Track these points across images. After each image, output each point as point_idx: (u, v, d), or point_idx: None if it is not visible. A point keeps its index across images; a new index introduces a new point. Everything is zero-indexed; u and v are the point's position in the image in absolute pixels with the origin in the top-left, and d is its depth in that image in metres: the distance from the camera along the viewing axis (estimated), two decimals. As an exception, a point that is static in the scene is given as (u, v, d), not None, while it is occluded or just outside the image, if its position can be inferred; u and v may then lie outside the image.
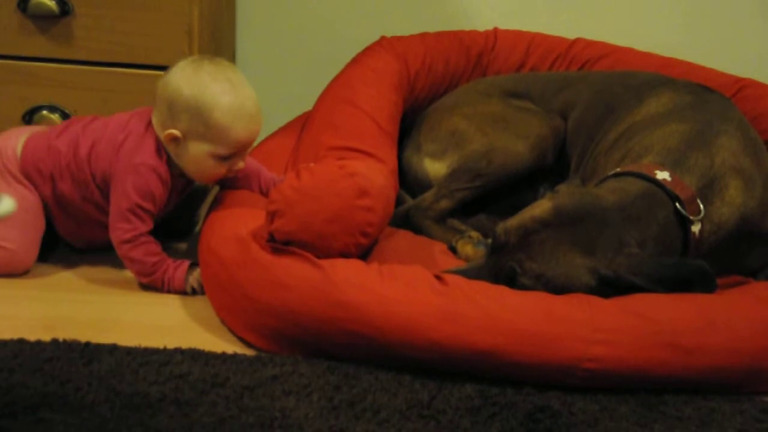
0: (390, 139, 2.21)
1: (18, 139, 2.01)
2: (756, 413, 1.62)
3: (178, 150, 1.94)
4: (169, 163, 1.96)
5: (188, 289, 1.96)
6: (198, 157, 1.93)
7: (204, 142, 1.92)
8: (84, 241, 2.10)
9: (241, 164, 1.98)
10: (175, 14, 2.16)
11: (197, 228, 2.21)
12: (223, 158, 1.94)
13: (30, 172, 1.99)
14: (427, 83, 2.49)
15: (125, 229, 1.94)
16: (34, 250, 2.01)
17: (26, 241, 1.99)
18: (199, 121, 1.90)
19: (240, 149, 1.95)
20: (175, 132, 1.91)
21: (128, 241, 1.94)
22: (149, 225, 1.96)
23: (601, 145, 2.16)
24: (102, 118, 2.02)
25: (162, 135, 1.93)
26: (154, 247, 1.97)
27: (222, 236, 1.89)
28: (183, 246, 2.20)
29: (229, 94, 1.90)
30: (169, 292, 1.96)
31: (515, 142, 2.22)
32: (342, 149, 2.10)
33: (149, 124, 1.96)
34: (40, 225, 2.02)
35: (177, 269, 1.96)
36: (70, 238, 2.09)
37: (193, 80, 1.90)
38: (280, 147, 2.28)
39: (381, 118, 2.20)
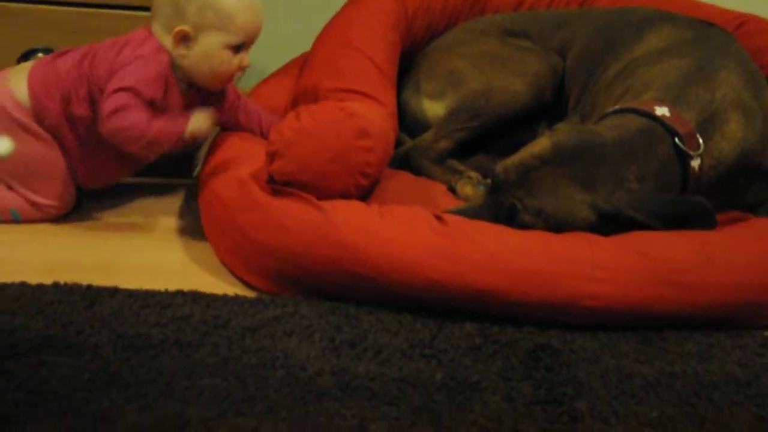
0: (389, 81, 2.19)
1: (11, 82, 1.97)
2: (756, 347, 1.63)
3: (188, 49, 1.91)
4: (173, 69, 1.93)
5: (188, 132, 1.92)
6: (210, 50, 1.91)
7: (215, 32, 1.89)
8: (100, 176, 2.06)
9: (246, 59, 1.96)
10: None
11: (197, 170, 2.21)
12: (234, 49, 1.92)
13: (42, 107, 1.93)
14: (425, 22, 2.46)
15: (113, 101, 1.85)
16: (72, 198, 2.01)
17: (66, 194, 1.99)
18: (208, 8, 1.88)
19: (248, 39, 1.94)
20: (185, 27, 1.89)
21: (115, 111, 1.85)
22: (142, 113, 1.86)
23: (600, 82, 2.15)
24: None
25: (169, 38, 1.90)
26: (146, 114, 1.88)
27: (222, 178, 1.89)
28: (182, 188, 2.20)
29: None
30: (166, 148, 1.91)
31: (513, 81, 2.22)
32: (341, 91, 2.08)
33: (149, 34, 1.92)
34: (67, 172, 1.99)
35: (177, 118, 1.92)
36: (85, 176, 2.04)
37: None
38: (278, 89, 2.26)
39: (380, 59, 2.19)
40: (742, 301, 1.68)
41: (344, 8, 2.37)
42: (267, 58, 2.26)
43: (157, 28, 1.92)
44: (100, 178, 2.06)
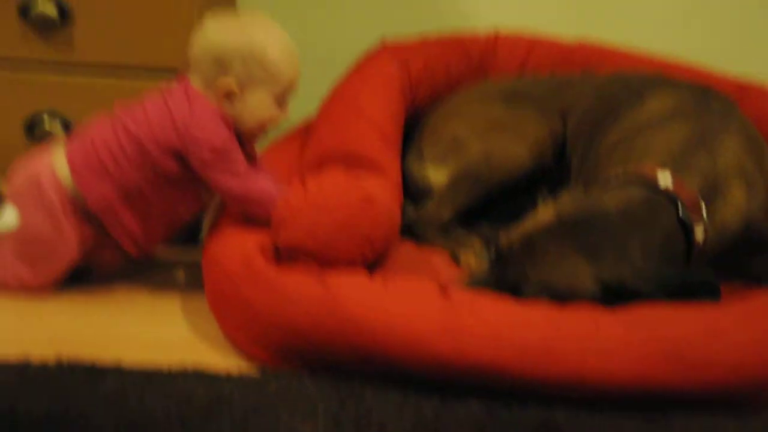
0: (394, 148, 2.20)
1: (55, 158, 1.93)
2: (762, 428, 1.62)
3: (234, 104, 1.91)
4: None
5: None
6: (258, 103, 1.91)
7: (262, 85, 1.90)
8: (152, 240, 2.04)
9: (287, 110, 1.98)
10: (176, 16, 2.15)
11: (201, 235, 2.21)
12: (279, 99, 1.94)
13: (87, 187, 1.91)
14: (429, 89, 2.48)
15: (227, 169, 1.87)
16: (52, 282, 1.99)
17: (50, 279, 1.98)
18: (254, 62, 1.88)
19: (291, 87, 1.95)
20: (230, 83, 1.89)
21: (242, 179, 1.87)
22: (244, 160, 1.90)
23: (602, 146, 2.15)
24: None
25: (211, 92, 1.90)
26: (267, 176, 1.92)
27: (226, 248, 1.88)
28: (186, 258, 2.20)
29: (274, 34, 1.92)
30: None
31: (514, 146, 2.22)
32: (347, 157, 2.08)
33: (186, 89, 1.92)
34: (66, 261, 1.97)
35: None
36: (139, 243, 2.02)
37: (236, 28, 1.90)
38: (283, 156, 2.27)
39: (386, 126, 2.20)
40: (748, 379, 1.66)
41: (349, 74, 2.38)
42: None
43: (196, 82, 1.92)
44: (152, 241, 2.04)
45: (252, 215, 1.91)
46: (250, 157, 2.01)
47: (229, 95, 1.90)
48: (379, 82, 2.32)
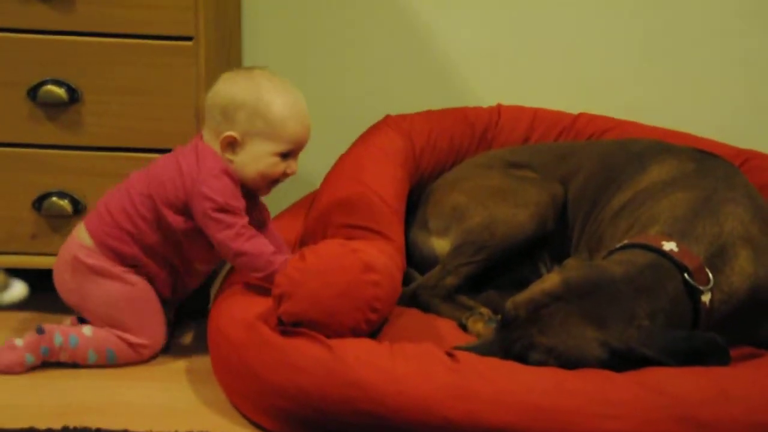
0: (397, 217, 2.21)
1: (79, 233, 2.02)
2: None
3: (236, 154, 1.95)
4: None
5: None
6: (258, 155, 1.94)
7: (263, 140, 1.94)
8: (180, 291, 2.09)
9: (294, 166, 1.99)
10: (182, 98, 2.17)
11: (209, 306, 2.21)
12: (282, 155, 1.96)
13: (111, 249, 1.98)
14: (433, 160, 2.51)
15: (224, 226, 1.91)
16: (163, 336, 2.03)
17: (155, 331, 2.01)
18: (257, 116, 1.93)
19: (296, 147, 1.98)
20: (233, 134, 1.93)
21: (236, 236, 1.91)
22: (245, 218, 1.94)
23: (604, 213, 2.16)
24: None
25: (217, 142, 1.94)
26: (265, 240, 1.95)
27: (231, 318, 1.89)
28: (192, 325, 2.21)
29: (283, 91, 1.96)
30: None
31: (515, 212, 2.23)
32: (350, 227, 2.10)
33: (196, 145, 1.97)
34: (159, 307, 2.02)
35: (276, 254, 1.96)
36: (170, 293, 2.07)
37: (246, 82, 1.95)
38: (288, 228, 2.28)
39: (388, 195, 2.21)
40: (761, 439, 1.65)
41: (353, 146, 2.41)
42: (278, 195, 2.28)
43: (207, 134, 1.98)
44: (184, 287, 2.08)
45: (247, 273, 1.95)
46: (261, 222, 2.04)
47: (232, 145, 1.94)
48: (382, 152, 2.35)
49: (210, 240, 1.94)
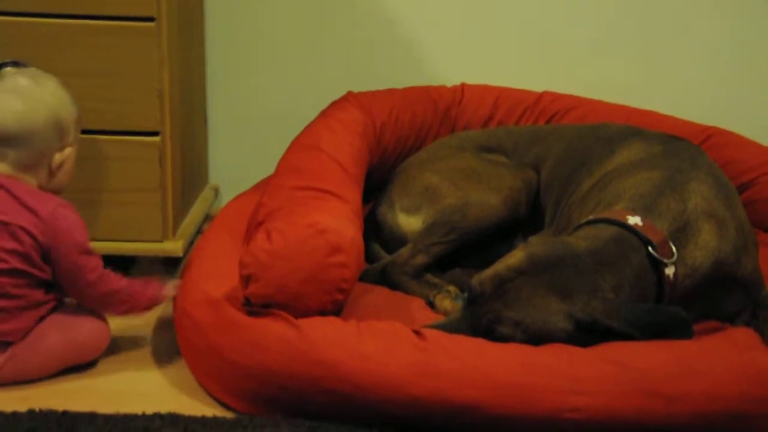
0: (354, 180, 2.19)
1: None
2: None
3: (63, 167, 1.92)
4: None
5: (169, 295, 1.95)
6: (73, 157, 1.95)
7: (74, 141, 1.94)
8: None
9: None
10: (145, 79, 2.17)
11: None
12: None
13: None
14: (395, 135, 2.51)
15: (92, 267, 1.86)
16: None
17: None
18: (70, 122, 1.91)
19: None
20: (71, 148, 1.92)
21: (99, 279, 1.86)
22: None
23: (574, 196, 2.17)
24: None
25: (54, 164, 1.89)
26: (117, 274, 1.91)
27: (196, 299, 1.88)
28: (158, 307, 2.17)
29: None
30: (147, 309, 1.93)
31: (489, 195, 2.24)
32: (305, 189, 2.06)
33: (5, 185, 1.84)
34: None
35: (149, 283, 1.93)
36: None
37: (45, 98, 1.88)
38: (245, 205, 2.28)
39: (344, 159, 2.20)
40: (723, 412, 1.66)
41: (313, 120, 2.40)
42: (242, 176, 2.28)
43: (30, 162, 1.88)
44: None
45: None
46: None
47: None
48: (340, 124, 2.34)
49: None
